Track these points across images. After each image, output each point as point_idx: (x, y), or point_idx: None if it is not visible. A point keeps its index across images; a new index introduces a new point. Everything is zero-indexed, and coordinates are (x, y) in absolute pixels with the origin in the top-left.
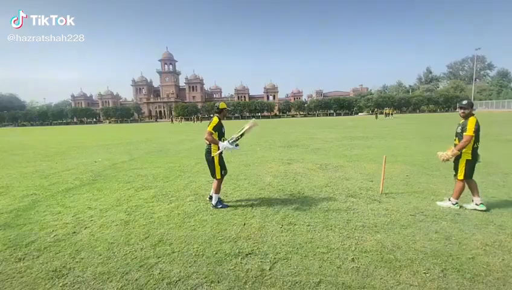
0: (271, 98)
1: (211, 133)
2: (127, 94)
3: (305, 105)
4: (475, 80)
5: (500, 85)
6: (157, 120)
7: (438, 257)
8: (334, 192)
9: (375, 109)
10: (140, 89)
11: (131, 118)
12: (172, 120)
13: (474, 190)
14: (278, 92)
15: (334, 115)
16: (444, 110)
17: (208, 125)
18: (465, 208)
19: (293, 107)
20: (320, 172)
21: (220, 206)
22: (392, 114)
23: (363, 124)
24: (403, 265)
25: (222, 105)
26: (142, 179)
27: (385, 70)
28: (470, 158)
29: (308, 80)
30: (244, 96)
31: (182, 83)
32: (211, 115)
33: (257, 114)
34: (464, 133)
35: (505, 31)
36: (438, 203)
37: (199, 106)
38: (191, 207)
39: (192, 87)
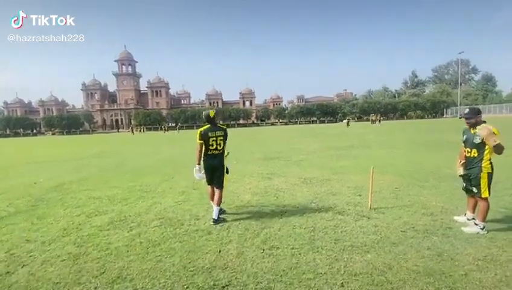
0: (247, 104)
1: None
2: (76, 100)
3: (286, 112)
4: (460, 84)
5: (485, 90)
6: (119, 130)
7: (430, 275)
8: (320, 209)
9: (348, 117)
10: (92, 94)
11: (80, 129)
12: (132, 130)
13: (474, 205)
14: (255, 97)
15: (318, 122)
16: (431, 116)
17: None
18: (456, 221)
19: (273, 114)
20: (304, 187)
21: (222, 219)
22: (379, 121)
23: (348, 131)
24: (395, 287)
25: (211, 113)
26: (95, 202)
27: (369, 73)
28: (491, 171)
29: (289, 84)
30: (217, 102)
31: (143, 86)
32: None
33: (232, 122)
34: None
35: (488, 33)
36: (464, 229)
37: (164, 113)
38: (156, 234)
39: (156, 91)
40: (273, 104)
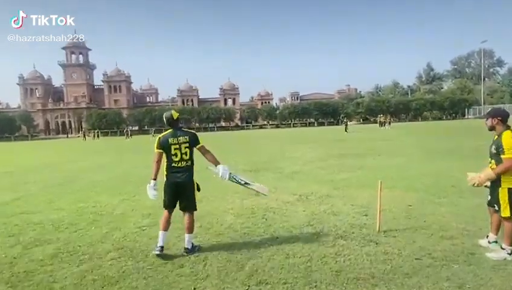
0: (230, 102)
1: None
2: (11, 98)
3: (277, 112)
4: (484, 79)
5: None
6: (68, 136)
7: None
8: (318, 233)
9: (345, 119)
10: (32, 90)
11: (16, 134)
12: (84, 135)
13: (498, 225)
14: (239, 94)
15: (316, 124)
16: (450, 117)
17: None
18: (480, 245)
19: (261, 115)
20: (300, 206)
21: (197, 248)
22: (389, 123)
23: (351, 136)
24: None
25: (174, 114)
26: (35, 228)
27: (377, 66)
28: None
29: (280, 79)
30: (192, 100)
31: (98, 80)
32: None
33: (211, 124)
34: (502, 156)
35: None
36: (488, 254)
37: (125, 113)
38: (114, 269)
39: (115, 87)
40: (262, 103)
